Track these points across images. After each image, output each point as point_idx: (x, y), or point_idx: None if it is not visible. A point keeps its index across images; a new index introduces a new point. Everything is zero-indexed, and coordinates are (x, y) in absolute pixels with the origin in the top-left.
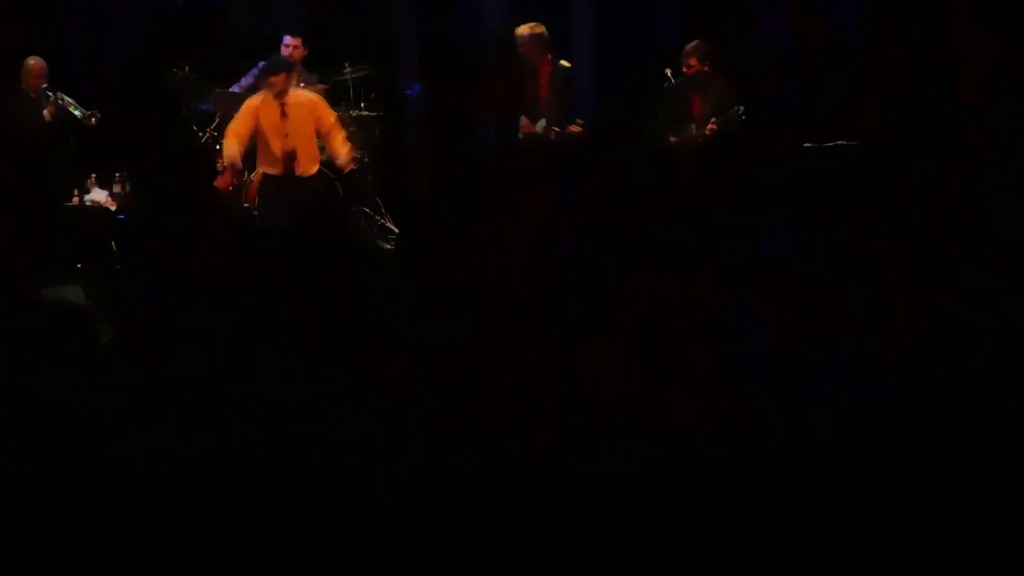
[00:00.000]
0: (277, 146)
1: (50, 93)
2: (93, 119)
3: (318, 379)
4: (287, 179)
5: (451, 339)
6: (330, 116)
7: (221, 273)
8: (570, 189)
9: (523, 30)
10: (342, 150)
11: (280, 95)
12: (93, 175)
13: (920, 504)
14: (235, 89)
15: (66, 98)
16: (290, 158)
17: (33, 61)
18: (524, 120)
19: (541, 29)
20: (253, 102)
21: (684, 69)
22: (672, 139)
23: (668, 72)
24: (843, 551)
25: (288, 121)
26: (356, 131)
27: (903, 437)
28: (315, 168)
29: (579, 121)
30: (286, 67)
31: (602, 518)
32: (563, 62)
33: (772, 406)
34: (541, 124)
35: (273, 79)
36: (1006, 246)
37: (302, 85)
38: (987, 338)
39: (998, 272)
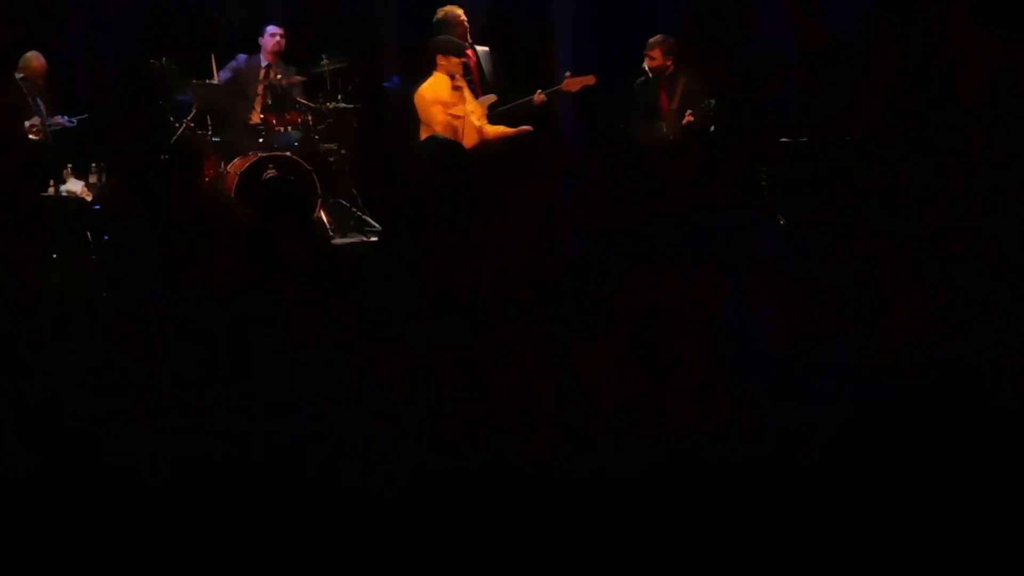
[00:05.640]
0: None
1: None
2: (75, 119)
3: (318, 379)
4: None
5: (451, 339)
6: None
7: (221, 273)
8: (570, 189)
9: (458, 12)
10: None
11: None
12: (69, 165)
13: (920, 504)
14: (214, 81)
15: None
16: None
17: (34, 58)
18: None
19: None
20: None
21: (647, 63)
22: (642, 137)
23: (645, 66)
24: (843, 551)
25: None
26: (333, 123)
27: (903, 437)
28: None
29: (569, 74)
30: None
31: (602, 518)
32: (478, 46)
33: (772, 406)
34: (487, 100)
35: None
36: (1006, 246)
37: (279, 78)
38: (987, 338)
39: (998, 272)
